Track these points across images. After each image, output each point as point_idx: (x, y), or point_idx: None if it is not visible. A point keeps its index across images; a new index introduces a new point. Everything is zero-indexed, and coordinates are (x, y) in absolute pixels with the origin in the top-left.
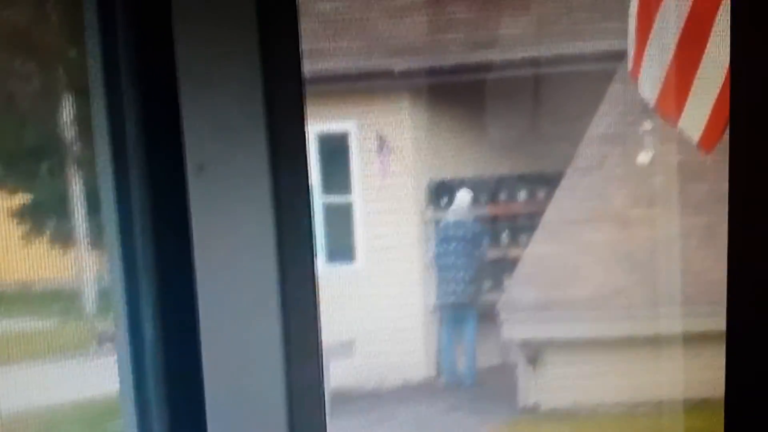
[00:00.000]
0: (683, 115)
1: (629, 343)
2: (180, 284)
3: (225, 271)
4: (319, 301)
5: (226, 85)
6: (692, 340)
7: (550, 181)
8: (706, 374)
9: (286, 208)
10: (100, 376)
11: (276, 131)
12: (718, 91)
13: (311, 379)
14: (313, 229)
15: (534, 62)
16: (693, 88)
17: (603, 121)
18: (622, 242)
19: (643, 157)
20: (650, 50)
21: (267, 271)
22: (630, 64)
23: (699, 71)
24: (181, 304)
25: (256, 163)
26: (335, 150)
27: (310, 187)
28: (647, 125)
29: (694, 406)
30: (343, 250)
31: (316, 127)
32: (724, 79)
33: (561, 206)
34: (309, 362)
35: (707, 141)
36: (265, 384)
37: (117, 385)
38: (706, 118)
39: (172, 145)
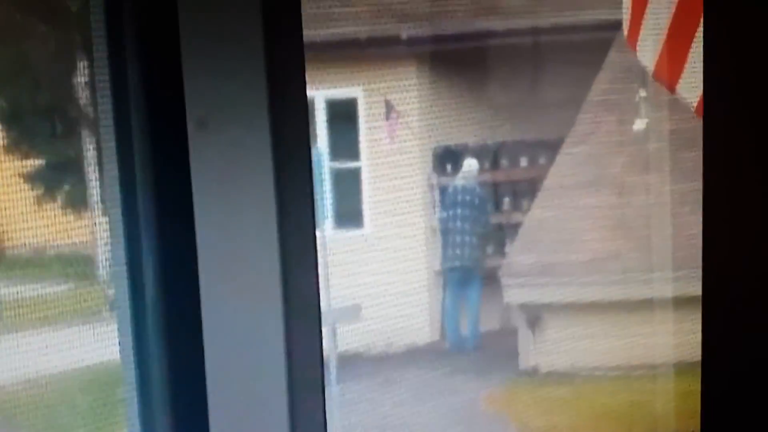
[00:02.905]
0: (681, 80)
1: (625, 306)
2: (181, 245)
3: (226, 231)
4: (317, 262)
5: (227, 42)
6: (684, 303)
7: (551, 148)
8: (698, 337)
9: (286, 169)
10: (111, 341)
11: (277, 91)
12: None
13: (311, 342)
14: (313, 191)
15: (536, 31)
16: (690, 53)
17: (600, 89)
18: (618, 207)
19: (639, 124)
20: (648, 16)
21: (268, 232)
22: (626, 32)
23: (696, 36)
24: (182, 266)
25: (257, 120)
26: (343, 116)
27: (309, 149)
28: (643, 93)
29: (687, 369)
30: (350, 215)
31: (323, 92)
32: None
33: (560, 172)
34: (309, 323)
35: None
36: (265, 347)
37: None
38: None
39: (173, 101)
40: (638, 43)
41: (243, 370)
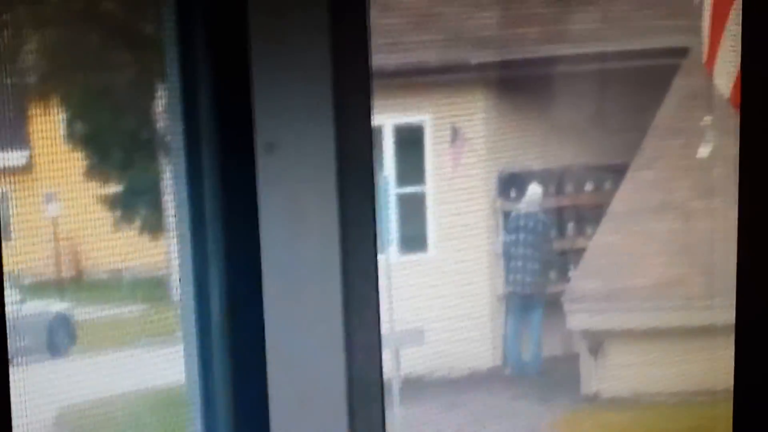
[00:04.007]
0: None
1: (687, 332)
2: (247, 271)
3: (290, 254)
4: (378, 285)
5: (296, 68)
6: None
7: (616, 173)
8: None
9: (351, 193)
10: (172, 366)
11: (343, 117)
12: None
13: (371, 364)
14: (375, 216)
15: (602, 57)
16: None
17: (667, 114)
18: (682, 233)
19: (704, 150)
20: (725, 41)
21: (331, 256)
22: (705, 56)
23: None
24: (247, 293)
25: (323, 146)
26: (410, 142)
27: (373, 175)
28: (709, 119)
29: None
30: (415, 240)
31: (391, 119)
32: None
33: (626, 197)
34: (370, 346)
35: None
36: (326, 374)
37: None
38: None
39: (243, 127)
40: (715, 68)
41: (305, 393)
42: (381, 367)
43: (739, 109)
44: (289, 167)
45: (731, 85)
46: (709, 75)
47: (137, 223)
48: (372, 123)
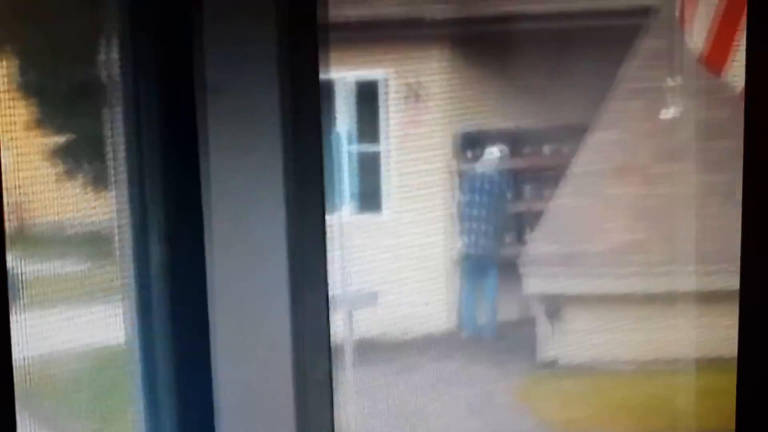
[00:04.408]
0: (728, 65)
1: (647, 299)
2: (188, 224)
3: (234, 211)
4: (326, 243)
5: (242, 18)
6: (707, 297)
7: (576, 134)
8: (720, 332)
9: (298, 148)
10: (112, 324)
11: (289, 69)
12: None
13: (318, 324)
14: (323, 170)
15: (563, 15)
16: (739, 38)
17: (628, 76)
18: (643, 197)
19: (667, 113)
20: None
21: (276, 211)
22: (678, 13)
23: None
24: (189, 246)
25: (268, 91)
26: (366, 98)
27: (322, 127)
28: (671, 81)
29: (707, 364)
30: (370, 199)
31: (345, 74)
32: None
33: (586, 160)
34: (317, 305)
35: None
36: (272, 332)
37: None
38: None
39: (186, 70)
40: (688, 26)
41: (249, 351)
42: (328, 325)
43: (715, 70)
44: (233, 113)
45: (703, 43)
46: (683, 32)
47: (81, 176)
48: (319, 73)
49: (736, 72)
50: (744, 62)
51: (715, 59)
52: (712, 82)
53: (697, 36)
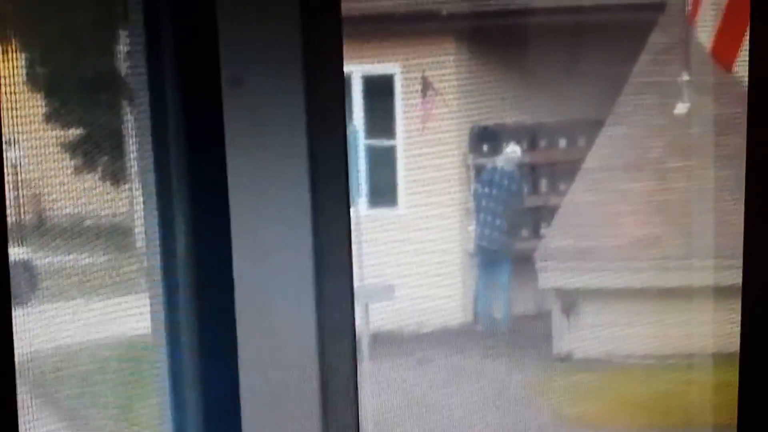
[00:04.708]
0: (737, 59)
1: (662, 293)
2: (214, 219)
3: (259, 205)
4: (351, 233)
5: (264, 7)
6: (723, 292)
7: (591, 129)
8: (737, 327)
9: (321, 144)
10: (138, 315)
11: (312, 63)
12: None
13: (343, 320)
14: (347, 165)
15: (577, 9)
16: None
17: (643, 69)
18: (658, 192)
19: (681, 108)
20: None
21: (301, 207)
22: (688, 8)
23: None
24: (214, 241)
25: (291, 83)
26: (379, 93)
27: (345, 122)
28: (686, 76)
29: (723, 359)
30: (385, 193)
31: (360, 68)
32: None
33: (601, 154)
34: (341, 298)
35: None
36: (297, 325)
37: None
38: None
39: (209, 63)
40: (697, 20)
41: (274, 345)
42: (353, 318)
43: (724, 64)
44: (256, 105)
45: (712, 38)
46: (692, 28)
47: (100, 169)
48: (343, 67)
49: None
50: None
51: (723, 53)
52: (725, 77)
53: (707, 31)
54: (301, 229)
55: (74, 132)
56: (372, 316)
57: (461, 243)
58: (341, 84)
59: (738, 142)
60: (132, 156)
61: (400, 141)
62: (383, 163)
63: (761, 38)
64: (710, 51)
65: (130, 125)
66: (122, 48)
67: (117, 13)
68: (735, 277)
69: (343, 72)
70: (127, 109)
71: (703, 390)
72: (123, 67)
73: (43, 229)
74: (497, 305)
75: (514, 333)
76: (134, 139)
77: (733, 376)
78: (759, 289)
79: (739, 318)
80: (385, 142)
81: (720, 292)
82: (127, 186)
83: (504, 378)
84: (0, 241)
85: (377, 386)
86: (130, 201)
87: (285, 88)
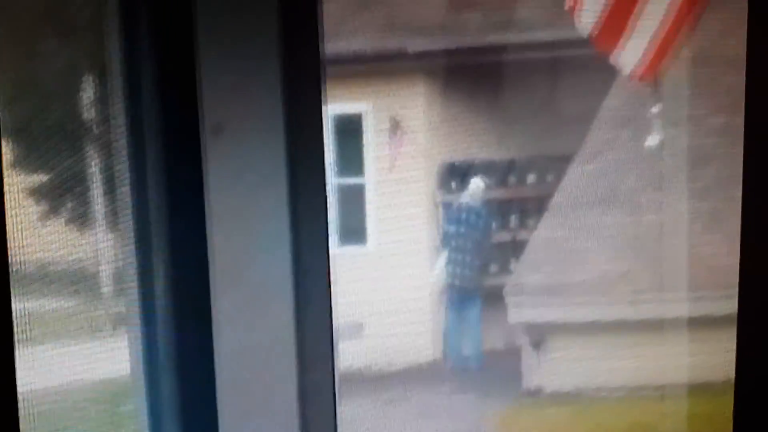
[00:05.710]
0: (619, 46)
1: (633, 326)
2: (193, 261)
3: (238, 241)
4: (330, 272)
5: (243, 49)
6: (696, 324)
7: (560, 165)
8: (710, 359)
9: (302, 185)
10: (116, 357)
11: (293, 100)
12: (657, 23)
13: (323, 355)
14: (327, 207)
15: (548, 46)
16: (631, 20)
17: (612, 105)
18: (629, 226)
19: (652, 140)
20: None
21: (281, 244)
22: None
23: (638, 3)
24: (193, 284)
25: (272, 129)
26: (348, 132)
27: (325, 164)
28: (655, 109)
29: (697, 391)
30: (354, 232)
31: (330, 107)
32: (664, 13)
33: (569, 190)
34: (321, 337)
35: (645, 73)
36: (277, 360)
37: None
38: (644, 50)
39: (189, 110)
40: (578, 9)
41: (254, 387)
42: (333, 360)
43: (603, 49)
44: (236, 152)
45: (594, 25)
46: (572, 17)
47: (65, 215)
48: (323, 109)
49: (628, 53)
50: (632, 43)
51: (606, 40)
52: (697, 110)
53: (587, 19)
54: (281, 271)
55: (45, 177)
56: (341, 355)
57: (430, 280)
58: (321, 126)
59: (710, 173)
60: (115, 198)
61: (369, 179)
62: (352, 201)
63: (760, 38)
64: (591, 38)
65: (106, 170)
66: (99, 94)
67: (97, 59)
68: (708, 308)
69: (322, 114)
70: (97, 154)
71: (677, 421)
72: (102, 114)
73: (18, 276)
74: (467, 341)
75: (484, 368)
76: (116, 182)
77: (705, 406)
78: (754, 316)
79: (722, 347)
80: (355, 180)
81: (692, 323)
82: (107, 229)
83: (474, 414)
84: (0, 244)
85: (347, 425)
86: (111, 244)
87: (265, 133)
